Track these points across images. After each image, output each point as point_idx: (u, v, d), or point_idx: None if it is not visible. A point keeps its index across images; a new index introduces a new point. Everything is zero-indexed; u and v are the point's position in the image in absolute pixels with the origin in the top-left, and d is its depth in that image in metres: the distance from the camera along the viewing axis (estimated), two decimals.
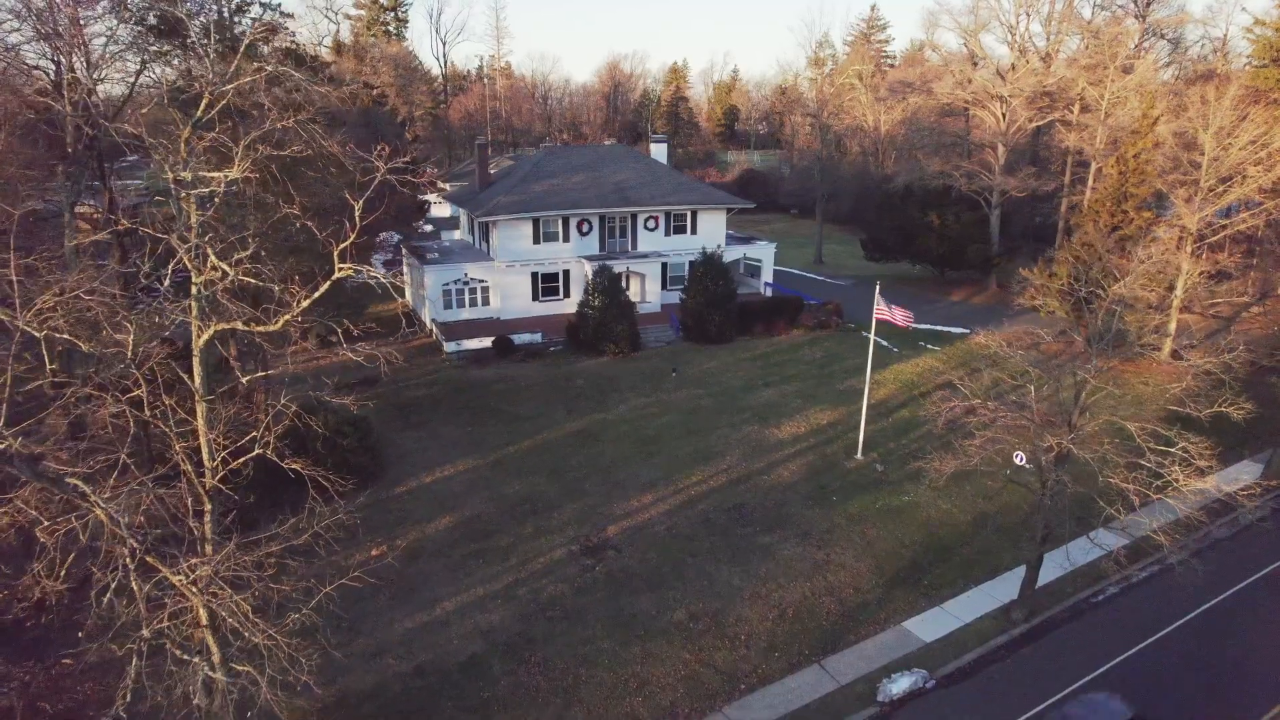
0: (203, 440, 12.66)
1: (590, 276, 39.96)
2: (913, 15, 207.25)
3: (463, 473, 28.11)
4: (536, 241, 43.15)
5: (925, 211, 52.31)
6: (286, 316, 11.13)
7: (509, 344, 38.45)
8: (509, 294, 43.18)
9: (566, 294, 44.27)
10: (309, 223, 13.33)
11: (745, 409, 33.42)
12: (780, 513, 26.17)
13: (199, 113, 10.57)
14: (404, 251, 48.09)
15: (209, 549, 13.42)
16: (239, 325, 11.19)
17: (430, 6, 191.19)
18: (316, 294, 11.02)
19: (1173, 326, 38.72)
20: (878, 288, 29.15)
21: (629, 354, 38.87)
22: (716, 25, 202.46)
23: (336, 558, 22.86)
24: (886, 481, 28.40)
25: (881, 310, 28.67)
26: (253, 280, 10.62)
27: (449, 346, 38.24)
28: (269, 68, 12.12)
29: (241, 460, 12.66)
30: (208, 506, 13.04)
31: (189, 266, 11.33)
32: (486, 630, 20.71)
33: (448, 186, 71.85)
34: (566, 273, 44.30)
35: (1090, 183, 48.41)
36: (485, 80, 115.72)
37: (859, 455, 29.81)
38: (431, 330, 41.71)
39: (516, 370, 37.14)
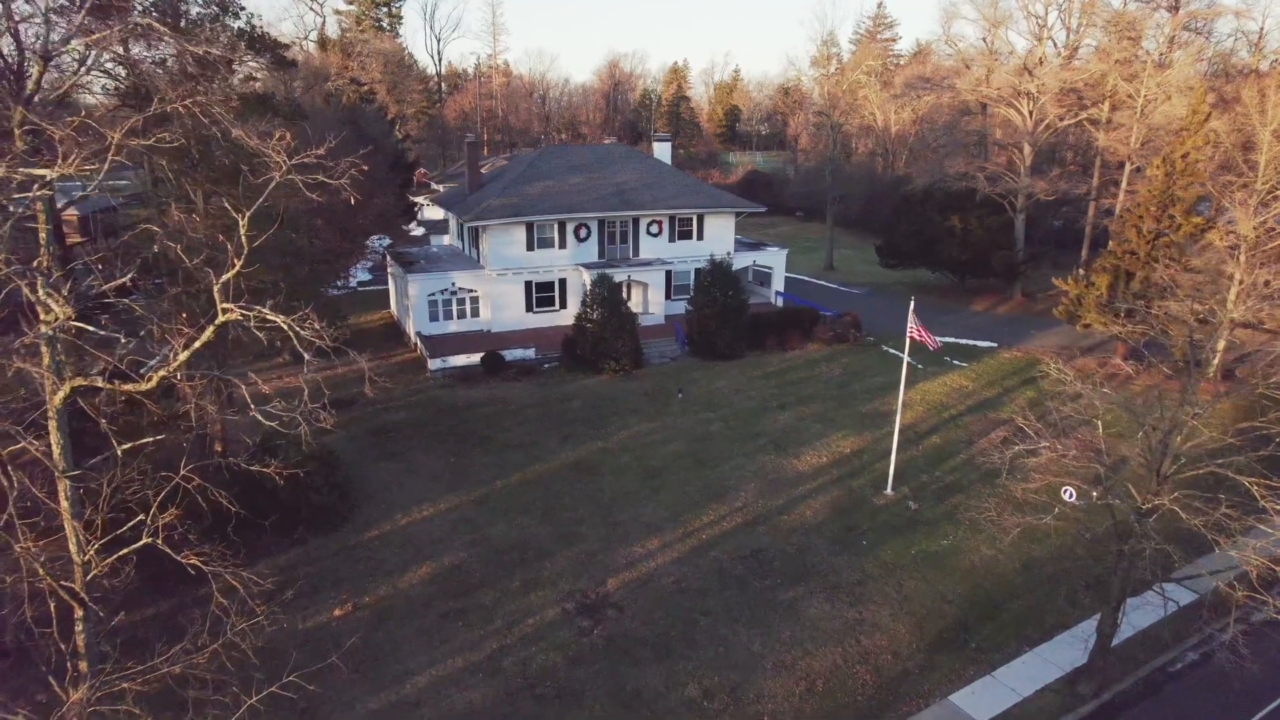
0: (68, 528, 9.44)
1: (588, 286, 36.81)
2: (917, 15, 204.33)
3: (443, 512, 24.89)
4: (530, 248, 39.94)
5: (946, 215, 49.11)
6: (162, 373, 7.99)
7: (499, 360, 35.22)
8: (500, 305, 39.97)
9: (563, 304, 41.06)
10: (171, 242, 10.08)
11: (760, 435, 30.21)
12: (804, 561, 22.97)
13: (30, 87, 7.48)
14: (388, 258, 44.90)
15: (83, 665, 10.22)
16: (99, 382, 8.05)
17: (424, 3, 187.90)
18: (197, 343, 7.88)
19: (1222, 344, 35.60)
20: (911, 305, 25.96)
21: (630, 371, 35.65)
22: (716, 25, 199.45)
23: (291, 622, 19.78)
24: (921, 521, 25.22)
25: (915, 330, 25.49)
26: (86, 327, 7.46)
27: (433, 364, 34.98)
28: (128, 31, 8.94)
29: (118, 556, 9.44)
30: (79, 614, 9.83)
31: (32, 300, 8.13)
32: (465, 713, 17.50)
33: (440, 188, 68.72)
34: (563, 281, 41.09)
35: (1124, 185, 45.26)
36: (480, 79, 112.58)
37: (889, 490, 26.63)
38: (416, 344, 38.49)
39: (507, 390, 33.91)
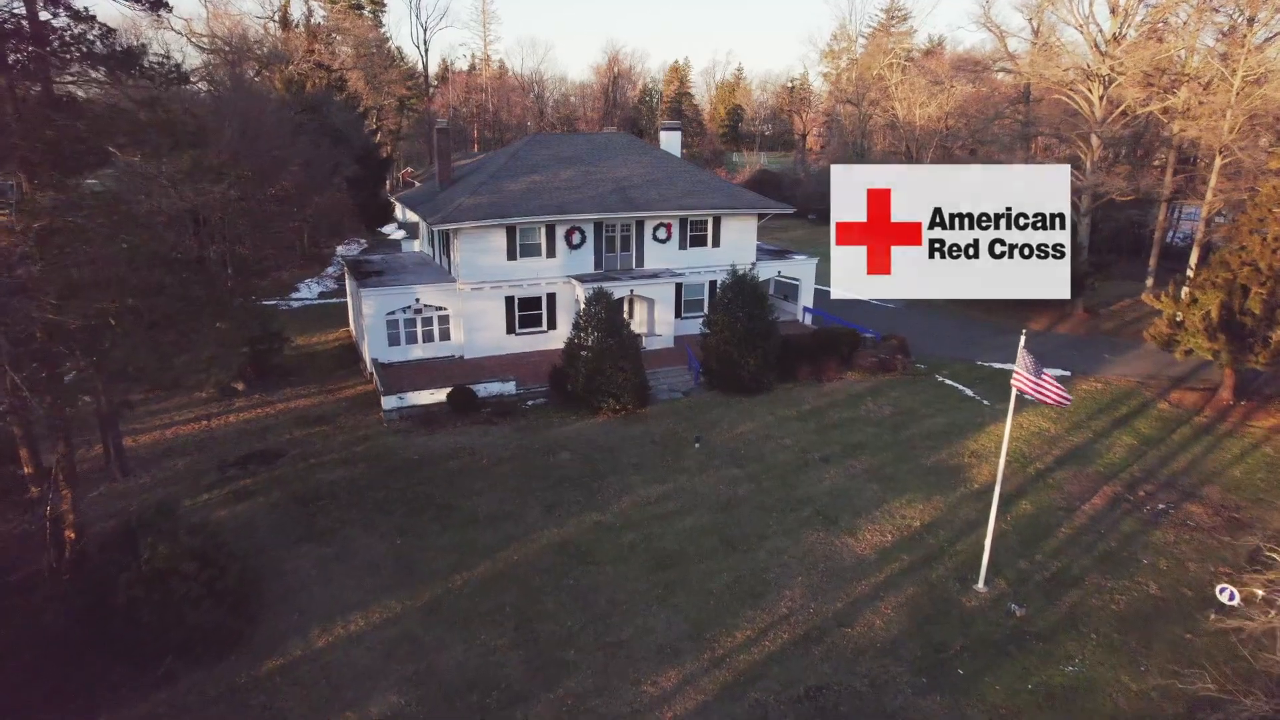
0: None
1: (582, 303, 30.12)
2: (927, 15, 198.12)
3: (378, 626, 18.07)
4: (512, 256, 33.17)
5: None
6: None
7: (471, 397, 28.38)
8: (475, 325, 33.15)
9: (551, 325, 34.28)
10: None
11: (802, 502, 23.46)
12: (881, 705, 16.22)
13: None
14: (345, 268, 38.14)
15: None
16: None
17: None
18: None
19: None
20: (1022, 340, 19.18)
21: (634, 411, 28.89)
22: (717, 18, 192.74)
23: None
24: (1031, 633, 18.49)
25: (1026, 380, 18.72)
26: None
27: (388, 402, 28.07)
28: None
29: None
30: None
31: None
32: None
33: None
34: (551, 297, 34.31)
35: (1213, 183, 38.64)
36: (471, 73, 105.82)
37: (981, 585, 19.91)
38: (371, 374, 31.67)
39: (478, 438, 27.05)
